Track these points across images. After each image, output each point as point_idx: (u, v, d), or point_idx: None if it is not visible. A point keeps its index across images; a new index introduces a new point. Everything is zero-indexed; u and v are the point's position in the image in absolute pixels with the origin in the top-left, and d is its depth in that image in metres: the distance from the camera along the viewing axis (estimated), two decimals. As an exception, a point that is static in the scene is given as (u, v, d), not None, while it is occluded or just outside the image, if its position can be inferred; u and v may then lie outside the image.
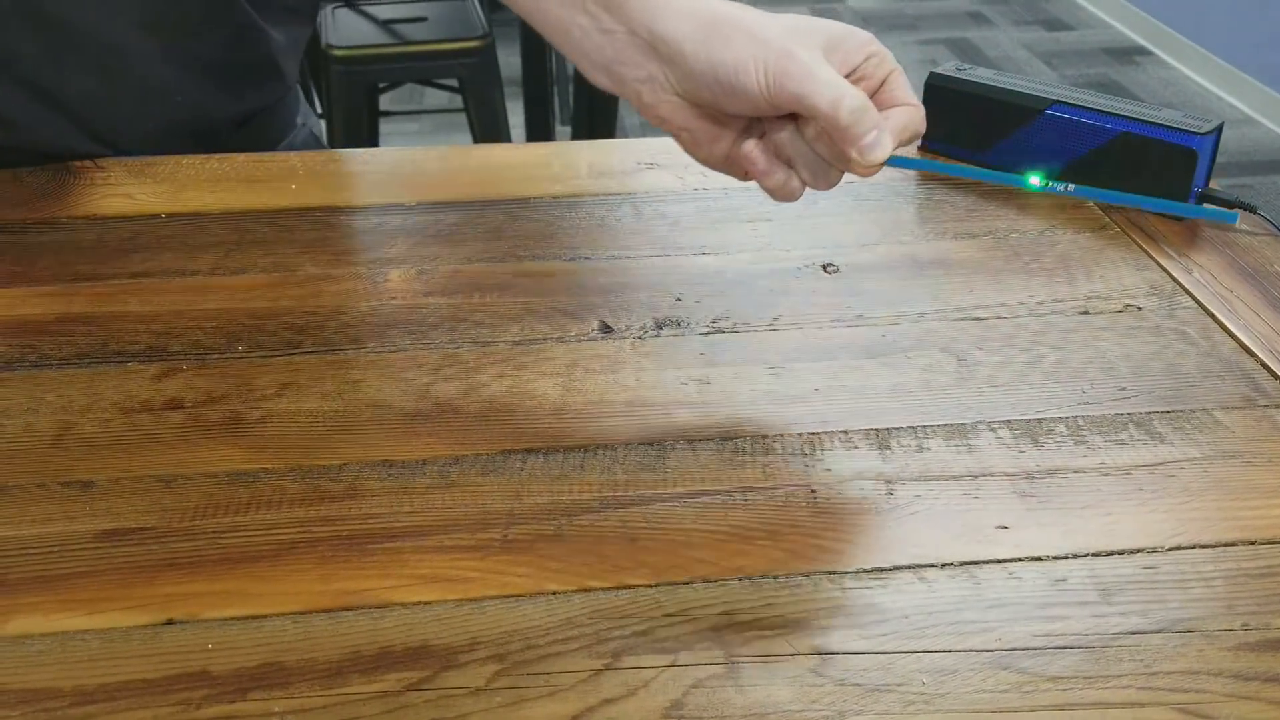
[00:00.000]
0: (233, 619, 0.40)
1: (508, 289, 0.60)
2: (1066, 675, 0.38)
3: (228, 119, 0.76)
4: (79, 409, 0.50)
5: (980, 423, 0.50)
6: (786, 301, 0.59)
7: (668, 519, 0.44)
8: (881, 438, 0.49)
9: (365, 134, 1.91)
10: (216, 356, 0.54)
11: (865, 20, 3.88)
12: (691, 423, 0.50)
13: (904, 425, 0.50)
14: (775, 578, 0.42)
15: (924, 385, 0.52)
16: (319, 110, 2.14)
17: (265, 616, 0.40)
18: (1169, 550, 0.43)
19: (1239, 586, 0.42)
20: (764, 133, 0.50)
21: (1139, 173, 0.67)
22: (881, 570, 0.42)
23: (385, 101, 2.65)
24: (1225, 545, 0.43)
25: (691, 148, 0.51)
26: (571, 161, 0.74)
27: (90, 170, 0.71)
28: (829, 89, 0.46)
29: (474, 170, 0.73)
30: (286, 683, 0.37)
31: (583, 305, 0.58)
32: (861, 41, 0.49)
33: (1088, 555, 0.43)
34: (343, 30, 1.89)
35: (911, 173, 0.73)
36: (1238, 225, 0.67)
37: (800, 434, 0.49)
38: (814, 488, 0.46)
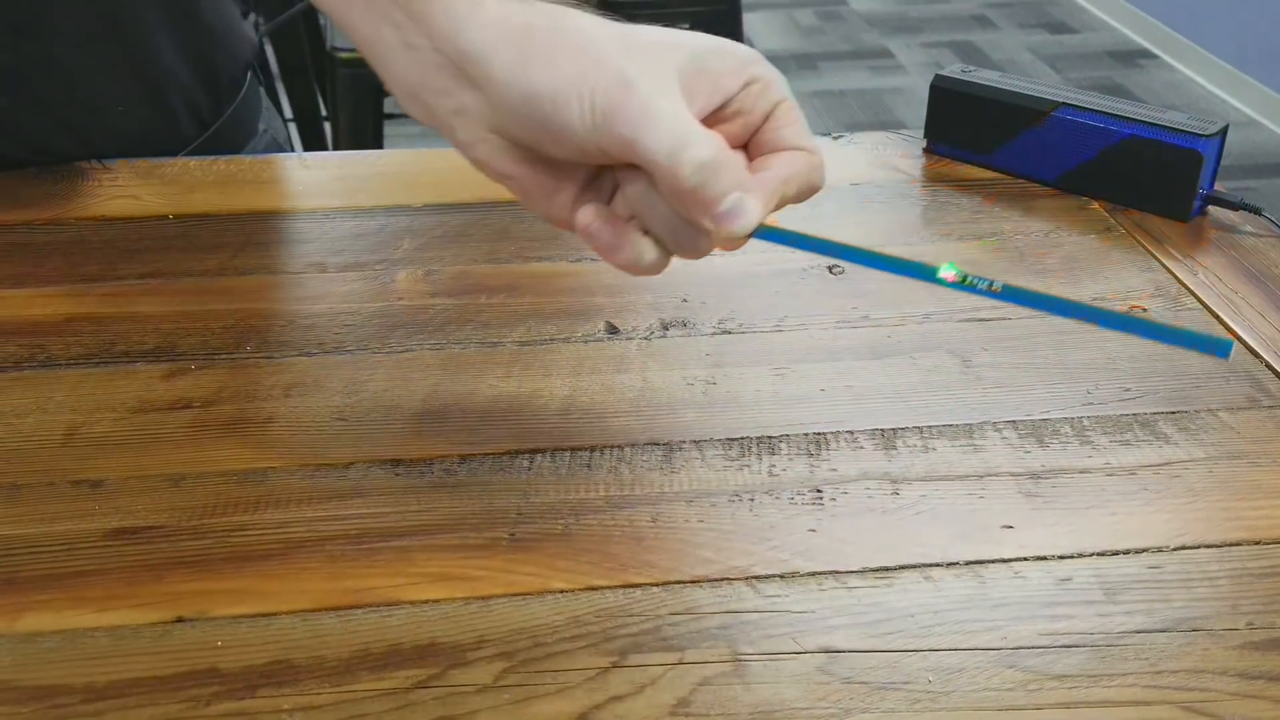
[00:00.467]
0: (242, 617, 0.40)
1: (514, 290, 0.60)
2: (1072, 674, 0.38)
3: (181, 121, 0.76)
4: (87, 409, 0.50)
5: (985, 423, 0.50)
6: (792, 303, 0.59)
7: (674, 519, 0.45)
8: (887, 438, 0.49)
9: (371, 136, 1.91)
10: (224, 357, 0.54)
11: (869, 23, 3.88)
12: (698, 423, 0.50)
13: (909, 426, 0.50)
14: (781, 577, 0.42)
15: (929, 386, 0.53)
16: (324, 112, 2.15)
17: (274, 614, 0.40)
18: (1174, 550, 0.43)
19: (1244, 586, 0.42)
20: (616, 186, 0.40)
21: (1144, 175, 0.67)
22: (887, 569, 0.42)
23: (389, 104, 2.66)
24: (1230, 545, 0.44)
25: (525, 201, 0.41)
26: (577, 163, 0.74)
27: (98, 172, 0.71)
28: (668, 134, 0.35)
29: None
30: (295, 680, 0.37)
31: (589, 306, 0.58)
32: (740, 62, 0.38)
33: (1093, 555, 0.43)
34: (348, 33, 1.89)
35: (917, 174, 0.73)
36: (1242, 227, 0.67)
37: (806, 434, 0.49)
38: (820, 488, 0.46)
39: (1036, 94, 0.71)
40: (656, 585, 0.41)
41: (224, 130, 0.78)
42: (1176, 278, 0.62)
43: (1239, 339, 0.56)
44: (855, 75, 3.45)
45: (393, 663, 0.38)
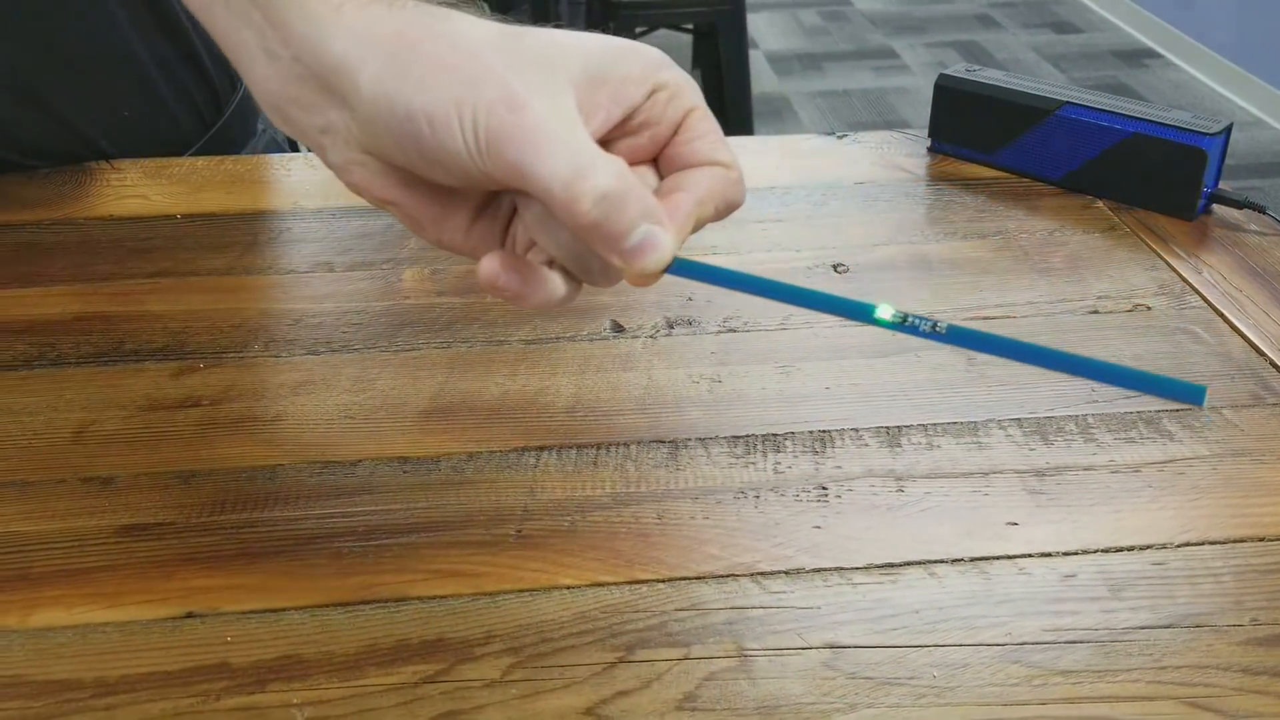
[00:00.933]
0: (251, 612, 0.40)
1: (520, 288, 0.60)
2: (1076, 669, 0.38)
3: (177, 131, 0.76)
4: (97, 407, 0.50)
5: (990, 421, 0.50)
6: (797, 301, 0.59)
7: (680, 516, 0.45)
8: (892, 435, 0.49)
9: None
10: (233, 355, 0.54)
11: (873, 23, 3.88)
12: (703, 421, 0.50)
13: (914, 423, 0.50)
14: (786, 573, 0.42)
15: (934, 384, 0.53)
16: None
17: (283, 610, 0.40)
18: (1178, 546, 0.44)
19: (1248, 582, 0.42)
20: (514, 208, 0.36)
21: (1148, 174, 0.68)
22: (892, 566, 0.43)
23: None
24: (1234, 542, 0.44)
25: (413, 229, 0.36)
26: (583, 163, 0.75)
27: (106, 172, 0.72)
28: (563, 161, 0.30)
29: (486, 171, 0.73)
30: (305, 674, 0.38)
31: (595, 305, 0.59)
32: (644, 68, 0.34)
33: (1097, 551, 0.43)
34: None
35: (921, 173, 0.73)
36: (1247, 225, 0.67)
37: (811, 432, 0.50)
38: (825, 485, 0.47)
39: (1040, 93, 0.71)
40: (662, 581, 0.42)
41: (224, 130, 0.78)
42: (1181, 276, 0.62)
43: (1243, 337, 0.56)
44: (859, 75, 3.45)
45: (401, 658, 0.38)
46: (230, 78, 0.79)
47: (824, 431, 0.50)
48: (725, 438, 0.49)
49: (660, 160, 0.36)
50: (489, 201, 0.36)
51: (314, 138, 0.34)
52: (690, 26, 2.90)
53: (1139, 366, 0.54)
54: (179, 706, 0.37)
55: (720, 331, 0.57)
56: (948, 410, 0.51)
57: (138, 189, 0.70)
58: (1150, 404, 0.51)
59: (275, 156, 0.75)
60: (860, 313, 0.34)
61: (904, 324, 0.34)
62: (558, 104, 0.31)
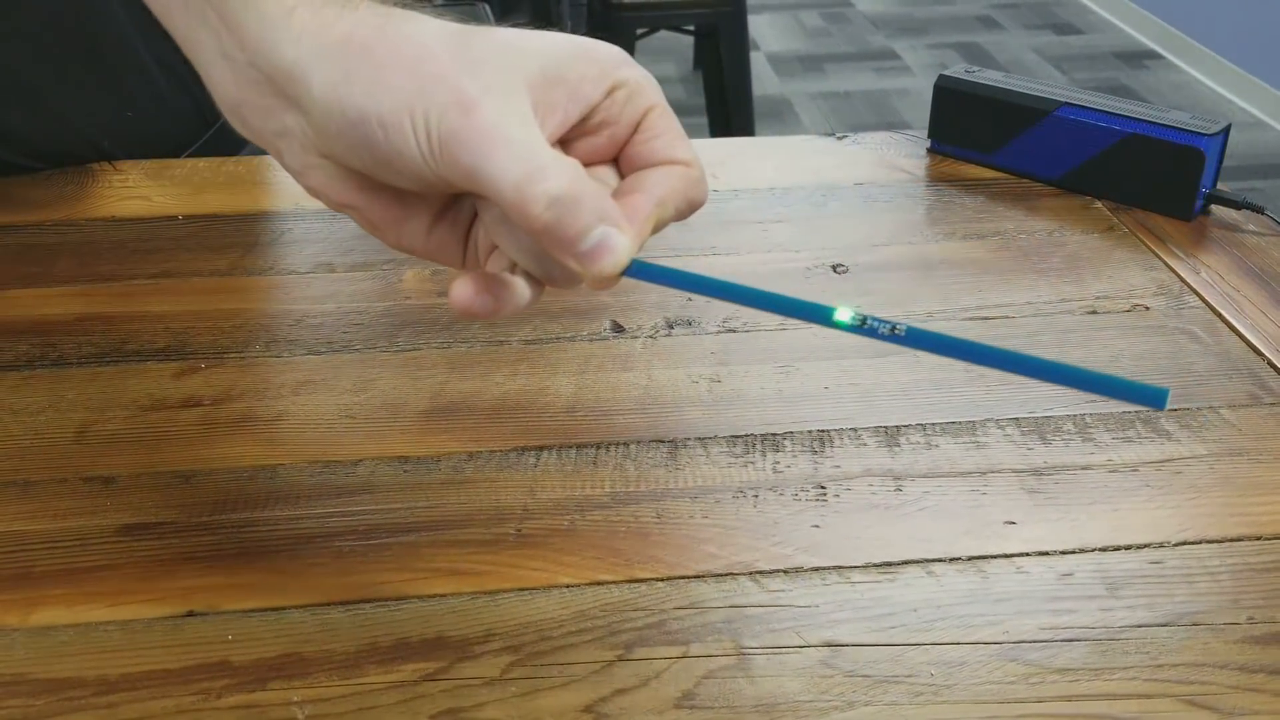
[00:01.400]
0: (252, 610, 0.40)
1: (520, 289, 0.60)
2: (1073, 667, 0.38)
3: (181, 128, 0.76)
4: (99, 406, 0.51)
5: (988, 420, 0.51)
6: (796, 301, 0.59)
7: (679, 515, 0.45)
8: (890, 435, 0.50)
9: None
10: (234, 355, 0.54)
11: (875, 24, 3.88)
12: (702, 420, 0.50)
13: (913, 423, 0.50)
14: (785, 572, 0.42)
15: (933, 384, 0.53)
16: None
17: (284, 608, 0.40)
18: (1175, 545, 0.44)
19: (1245, 581, 0.42)
20: (475, 210, 0.36)
21: (1146, 174, 0.68)
22: (890, 564, 0.43)
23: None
24: (1231, 540, 0.44)
25: (372, 232, 0.36)
26: (583, 164, 0.75)
27: (108, 173, 0.72)
28: (515, 163, 0.30)
29: (487, 172, 0.74)
30: (305, 673, 0.38)
31: (595, 305, 0.59)
32: (602, 67, 0.33)
33: (1095, 550, 0.43)
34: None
35: (920, 174, 0.74)
36: (1245, 225, 0.67)
37: (810, 431, 0.50)
38: (824, 484, 0.47)
39: (1039, 93, 0.71)
40: (661, 580, 0.42)
41: (226, 128, 0.79)
42: (1179, 276, 0.62)
43: (1241, 337, 0.57)
44: (860, 76, 3.45)
45: (401, 656, 0.39)
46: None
47: (823, 431, 0.50)
48: (724, 437, 0.49)
49: (620, 160, 0.36)
50: (449, 205, 0.36)
51: (271, 141, 0.34)
52: (691, 28, 2.90)
53: (1137, 367, 0.54)
54: (180, 705, 0.37)
55: (720, 331, 0.57)
56: (946, 410, 0.51)
57: (139, 190, 0.70)
58: (1148, 404, 0.52)
59: (276, 158, 0.75)
60: (819, 315, 0.33)
61: (862, 326, 0.33)
62: (511, 105, 0.31)
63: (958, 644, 0.39)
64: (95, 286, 0.60)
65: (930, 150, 0.76)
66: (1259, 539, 0.44)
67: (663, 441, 0.49)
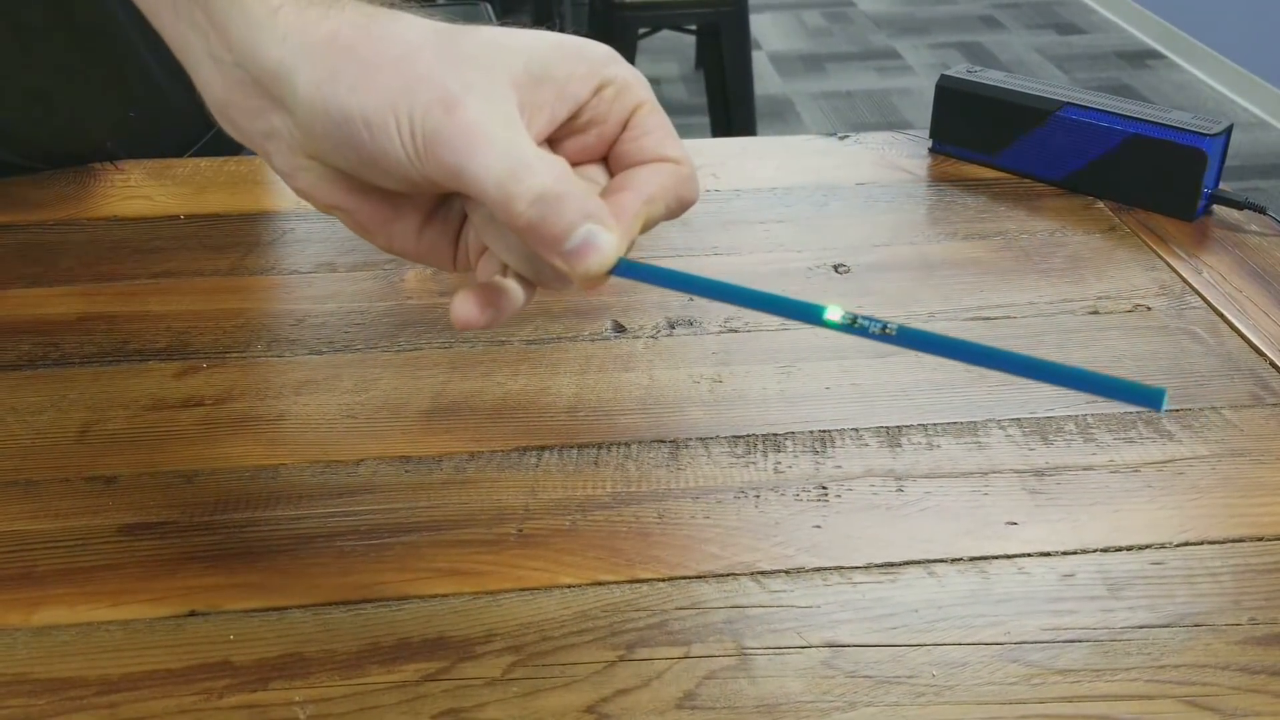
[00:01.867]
0: (254, 611, 0.40)
1: (522, 289, 0.60)
2: (1075, 668, 0.38)
3: (182, 128, 0.76)
4: (101, 406, 0.51)
5: (990, 421, 0.50)
6: (798, 301, 0.59)
7: (680, 515, 0.45)
8: (892, 435, 0.50)
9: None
10: (236, 355, 0.54)
11: (876, 24, 3.88)
12: (704, 421, 0.50)
13: (914, 423, 0.50)
14: (786, 572, 0.42)
15: (934, 384, 0.53)
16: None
17: (285, 608, 0.40)
18: (1177, 546, 0.44)
19: (1246, 582, 0.42)
20: (465, 216, 0.36)
21: (1149, 175, 0.68)
22: (892, 565, 0.43)
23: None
24: (1233, 541, 0.44)
25: (361, 235, 0.36)
26: (585, 163, 0.75)
27: (110, 173, 0.72)
28: (498, 161, 0.30)
29: (488, 172, 0.74)
30: (307, 673, 0.38)
31: (596, 305, 0.59)
32: (590, 64, 0.33)
33: (1096, 551, 0.43)
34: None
35: (922, 174, 0.73)
36: (1247, 226, 0.67)
37: (811, 431, 0.50)
38: (825, 485, 0.47)
39: (1041, 94, 0.71)
40: (663, 580, 0.42)
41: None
42: (1181, 276, 0.62)
43: (1243, 337, 0.57)
44: (862, 76, 3.45)
45: (402, 656, 0.39)
46: None
47: (824, 431, 0.50)
48: (726, 437, 0.49)
49: (610, 158, 0.36)
50: (438, 207, 0.35)
51: (259, 143, 0.34)
52: (693, 27, 2.90)
53: (1139, 367, 0.54)
54: (181, 704, 0.37)
55: (721, 332, 0.57)
56: (948, 410, 0.51)
57: (142, 190, 0.70)
58: (1150, 404, 0.52)
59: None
60: (809, 314, 0.33)
61: (853, 326, 0.33)
62: (495, 104, 0.31)
63: (959, 644, 0.39)
64: (97, 286, 0.60)
65: (932, 150, 0.76)
66: (1261, 540, 0.44)
67: (664, 442, 0.49)
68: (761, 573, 0.42)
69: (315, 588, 0.41)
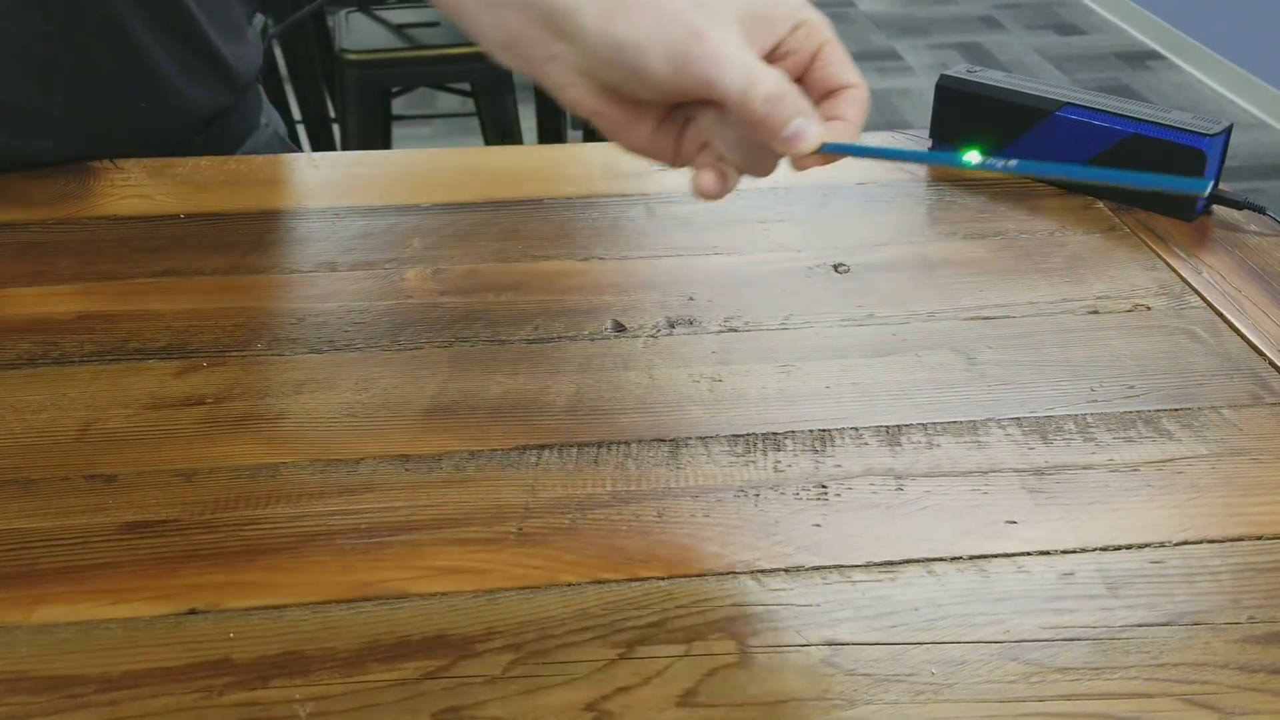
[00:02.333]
0: (254, 609, 0.40)
1: (522, 288, 0.60)
2: (1074, 667, 0.38)
3: (187, 121, 0.77)
4: (101, 405, 0.51)
5: (990, 420, 0.51)
6: (798, 301, 0.59)
7: (680, 514, 0.45)
8: (892, 434, 0.50)
9: (379, 138, 1.92)
10: (236, 354, 0.54)
11: (876, 24, 3.88)
12: (704, 420, 0.50)
13: (914, 422, 0.50)
14: (786, 571, 0.42)
15: (934, 383, 0.53)
16: (332, 113, 2.15)
17: (285, 606, 0.40)
18: (1176, 545, 0.44)
19: (1245, 581, 0.42)
20: (688, 117, 0.46)
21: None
22: (891, 564, 0.43)
23: (397, 106, 2.67)
24: (1232, 540, 0.44)
25: (610, 134, 0.46)
26: (585, 163, 0.75)
27: (110, 171, 0.72)
28: (739, 73, 0.41)
29: (489, 171, 0.74)
30: (307, 671, 0.38)
31: (596, 304, 0.59)
32: (789, 10, 0.44)
33: (1095, 550, 0.44)
34: (356, 35, 1.90)
35: (922, 174, 0.74)
36: (1246, 226, 0.67)
37: (811, 431, 0.50)
38: (825, 483, 0.47)
39: (1041, 94, 0.71)
40: (663, 579, 0.42)
41: (229, 124, 0.79)
42: (1180, 276, 0.62)
43: (1243, 337, 0.57)
44: (863, 76, 3.45)
45: (402, 654, 0.39)
46: (235, 71, 0.79)
47: (824, 430, 0.50)
48: (725, 436, 0.49)
49: (803, 82, 0.44)
50: (668, 115, 0.45)
51: (540, 65, 0.44)
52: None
53: (1138, 367, 0.54)
54: (182, 702, 0.37)
55: (721, 331, 0.57)
56: (947, 409, 0.51)
57: (141, 188, 0.70)
58: (1149, 403, 0.52)
59: (278, 157, 0.75)
60: (952, 160, 0.43)
61: (986, 164, 0.42)
62: (730, 32, 0.41)
63: (958, 643, 0.39)
64: (97, 285, 0.60)
65: (931, 150, 0.76)
66: (1260, 539, 0.44)
67: (664, 440, 0.49)
68: (761, 571, 0.42)
69: (315, 586, 0.41)
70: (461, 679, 0.38)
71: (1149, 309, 0.59)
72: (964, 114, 0.74)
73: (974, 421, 0.50)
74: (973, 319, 0.58)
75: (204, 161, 0.73)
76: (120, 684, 0.37)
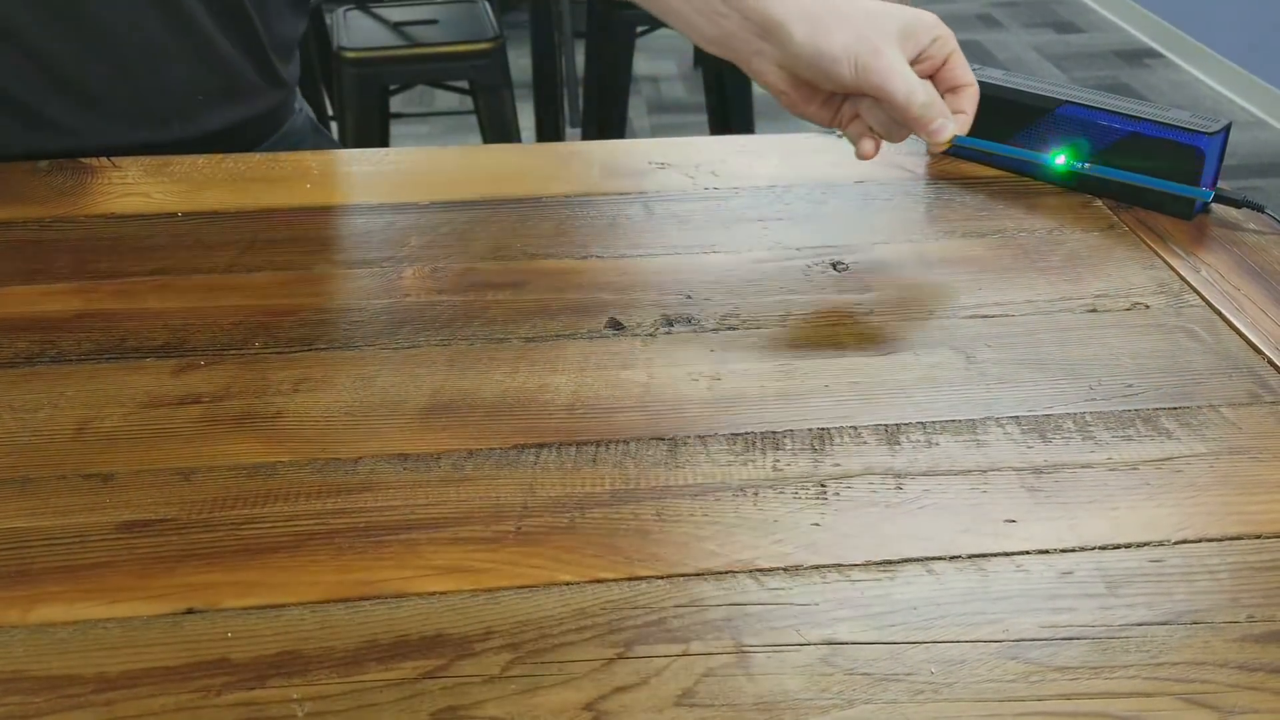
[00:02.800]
0: (252, 608, 0.40)
1: (520, 287, 0.60)
2: (1073, 666, 0.38)
3: (244, 120, 0.77)
4: (98, 404, 0.51)
5: (989, 419, 0.50)
6: (796, 299, 0.59)
7: (679, 513, 0.45)
8: (891, 433, 0.49)
9: (377, 136, 1.92)
10: (233, 352, 0.54)
11: (875, 23, 3.87)
12: (702, 418, 0.50)
13: (913, 421, 0.50)
14: (785, 570, 0.42)
15: (933, 382, 0.53)
16: (330, 111, 2.15)
17: (284, 606, 0.40)
18: (1175, 544, 0.44)
19: (1244, 579, 0.42)
20: (846, 97, 0.61)
21: (1147, 173, 0.68)
22: (890, 563, 0.43)
23: (395, 104, 2.66)
24: (1231, 539, 0.44)
25: (788, 106, 0.62)
26: (584, 161, 0.75)
27: (107, 169, 0.72)
28: (904, 85, 0.56)
29: (487, 170, 0.74)
30: (305, 670, 0.38)
31: (594, 303, 0.59)
32: (929, 26, 0.59)
33: (1094, 549, 0.43)
34: (354, 33, 1.90)
35: (921, 172, 0.74)
36: (1245, 224, 0.67)
37: (810, 429, 0.50)
38: (824, 482, 0.47)
39: (1039, 92, 0.71)
40: (661, 578, 0.42)
41: (277, 108, 0.80)
42: (1179, 275, 0.62)
43: (1241, 335, 0.57)
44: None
45: (401, 653, 0.39)
46: (271, 59, 0.79)
47: (823, 429, 0.50)
48: (724, 435, 0.49)
49: (935, 78, 0.60)
50: (831, 95, 0.61)
51: (747, 58, 0.60)
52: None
53: (1137, 366, 0.54)
54: (179, 702, 0.37)
55: (719, 329, 0.57)
56: (946, 408, 0.51)
57: (139, 186, 0.70)
58: (1148, 402, 0.52)
59: (276, 155, 0.75)
60: (1043, 159, 0.61)
61: (1071, 167, 0.62)
62: (895, 51, 0.57)
63: (957, 642, 0.39)
64: (94, 283, 0.60)
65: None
66: (1259, 538, 0.44)
67: (662, 439, 0.49)
68: (760, 570, 0.42)
69: (313, 585, 0.41)
70: (460, 679, 0.38)
71: (1148, 307, 0.59)
72: (963, 112, 0.74)
73: (973, 420, 0.50)
74: (971, 317, 0.58)
75: (201, 160, 0.73)
76: (118, 684, 0.37)
